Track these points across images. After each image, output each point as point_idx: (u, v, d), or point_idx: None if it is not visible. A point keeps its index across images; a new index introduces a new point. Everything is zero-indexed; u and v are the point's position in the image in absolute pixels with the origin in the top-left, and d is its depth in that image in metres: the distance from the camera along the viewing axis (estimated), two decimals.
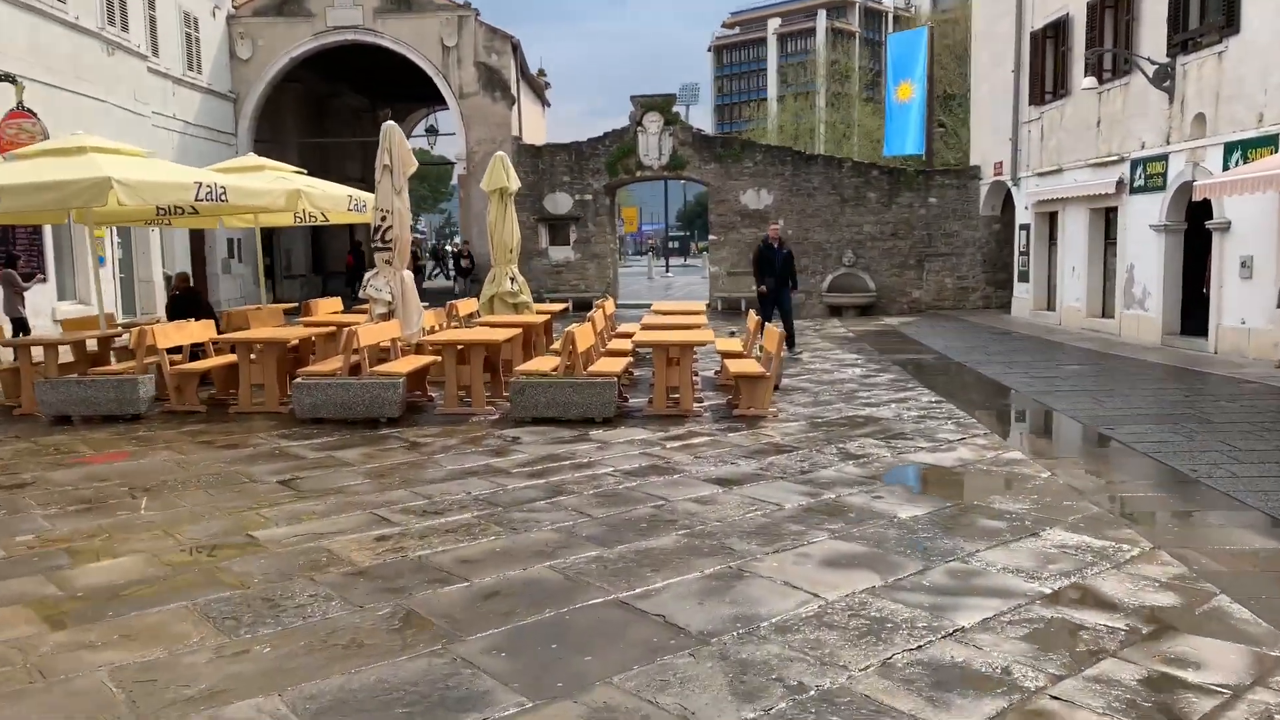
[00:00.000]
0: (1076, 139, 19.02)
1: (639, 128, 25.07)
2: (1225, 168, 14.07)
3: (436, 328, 12.52)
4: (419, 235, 20.52)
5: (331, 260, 33.56)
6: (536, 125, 32.89)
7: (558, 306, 15.41)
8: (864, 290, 24.41)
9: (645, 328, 12.13)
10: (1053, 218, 20.95)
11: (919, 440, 8.60)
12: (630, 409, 10.17)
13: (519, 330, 11.47)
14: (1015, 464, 7.67)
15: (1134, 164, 16.82)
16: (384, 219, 10.79)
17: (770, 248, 14.96)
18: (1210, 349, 14.66)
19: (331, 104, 33.05)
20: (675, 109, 25.17)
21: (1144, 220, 16.51)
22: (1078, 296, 19.22)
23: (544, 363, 10.16)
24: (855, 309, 24.27)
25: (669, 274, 49.21)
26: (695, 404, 10.42)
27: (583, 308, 23.54)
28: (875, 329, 20.45)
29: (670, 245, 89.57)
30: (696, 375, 12.55)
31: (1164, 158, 15.89)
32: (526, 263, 23.62)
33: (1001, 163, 22.91)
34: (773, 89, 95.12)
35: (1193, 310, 15.79)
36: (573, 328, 9.69)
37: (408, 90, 30.08)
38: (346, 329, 9.69)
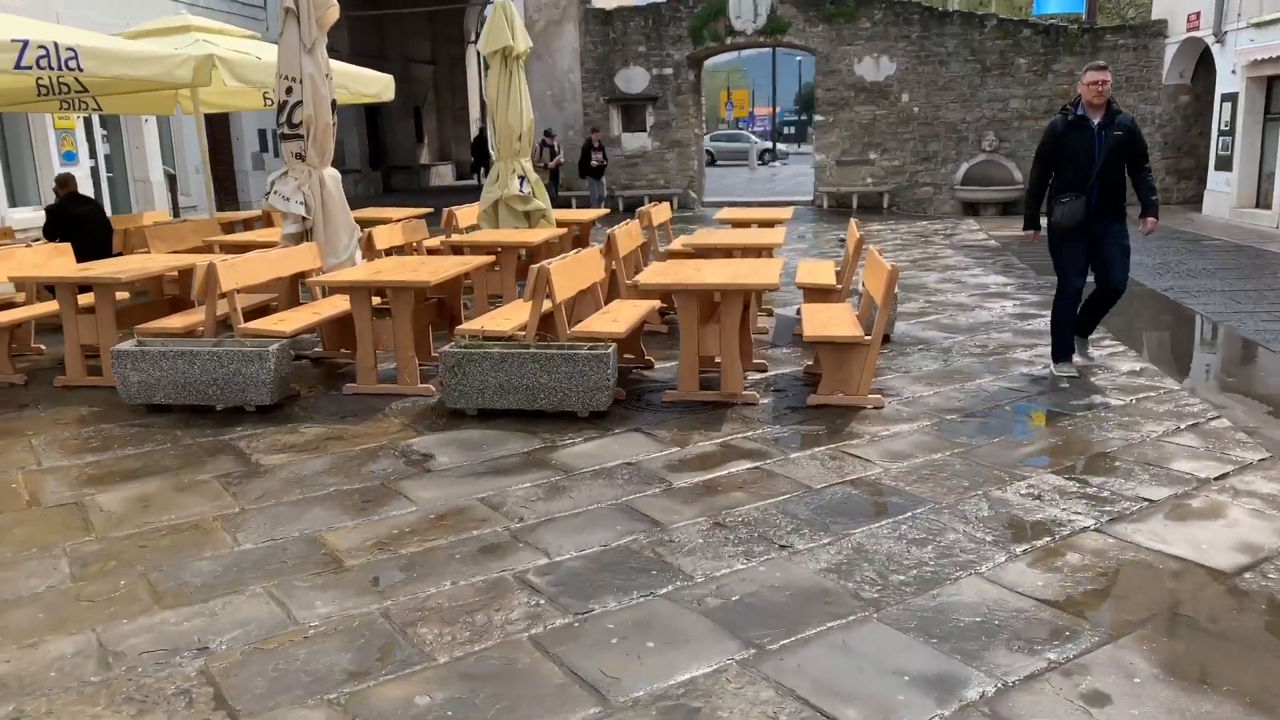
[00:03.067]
0: None
1: None
2: None
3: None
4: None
5: (396, 151, 30.31)
6: None
7: (592, 214, 11.58)
8: (1007, 182, 19.68)
9: (680, 254, 8.32)
10: (1271, 84, 15.76)
11: (1141, 478, 4.69)
12: (646, 389, 6.51)
13: (489, 259, 7.81)
14: None
15: None
16: (289, 91, 7.20)
17: (1081, 120, 6.47)
18: None
19: None
20: None
21: None
22: None
23: (511, 314, 6.52)
24: (996, 205, 19.63)
25: (776, 164, 44.28)
26: (754, 375, 6.67)
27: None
28: (1023, 233, 15.90)
29: (785, 131, 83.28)
30: (768, 319, 8.73)
31: None
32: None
33: (1198, 13, 17.57)
34: None
35: None
36: (549, 263, 6.00)
37: None
38: (208, 263, 6.24)
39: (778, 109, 59.98)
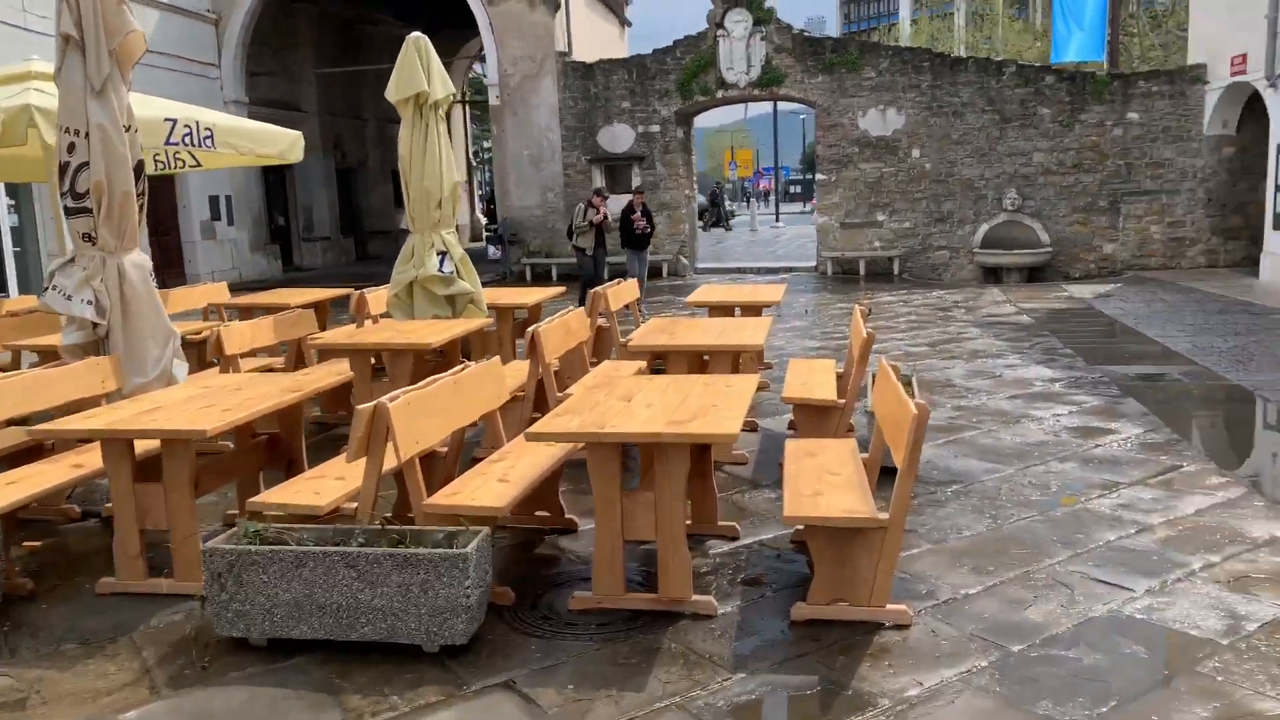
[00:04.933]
0: None
1: (719, 31, 18.75)
2: None
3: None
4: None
5: (372, 216, 28.53)
6: (608, 46, 26.78)
7: (540, 294, 9.47)
8: (1033, 245, 17.64)
9: (642, 350, 6.23)
10: None
11: None
12: (556, 577, 4.38)
13: (335, 379, 5.67)
14: None
15: None
16: (71, 149, 5.20)
17: None
18: None
19: (363, 31, 27.63)
20: (769, 4, 18.69)
21: None
22: None
23: (348, 473, 4.36)
24: (1020, 271, 17.56)
25: (779, 224, 42.42)
26: (719, 545, 4.53)
27: (652, 275, 17.67)
28: (1059, 305, 13.84)
29: (791, 190, 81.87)
30: (750, 433, 6.60)
31: None
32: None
33: (1244, 55, 15.64)
34: (905, 9, 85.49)
35: None
36: (403, 394, 3.90)
37: (463, 14, 23.73)
38: None
39: (782, 167, 58.45)
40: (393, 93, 7.90)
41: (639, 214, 14.29)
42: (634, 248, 14.39)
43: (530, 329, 6.00)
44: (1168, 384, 8.33)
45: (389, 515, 4.59)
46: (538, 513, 4.99)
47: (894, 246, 18.57)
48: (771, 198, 48.37)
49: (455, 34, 27.57)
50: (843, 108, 18.50)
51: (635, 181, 19.48)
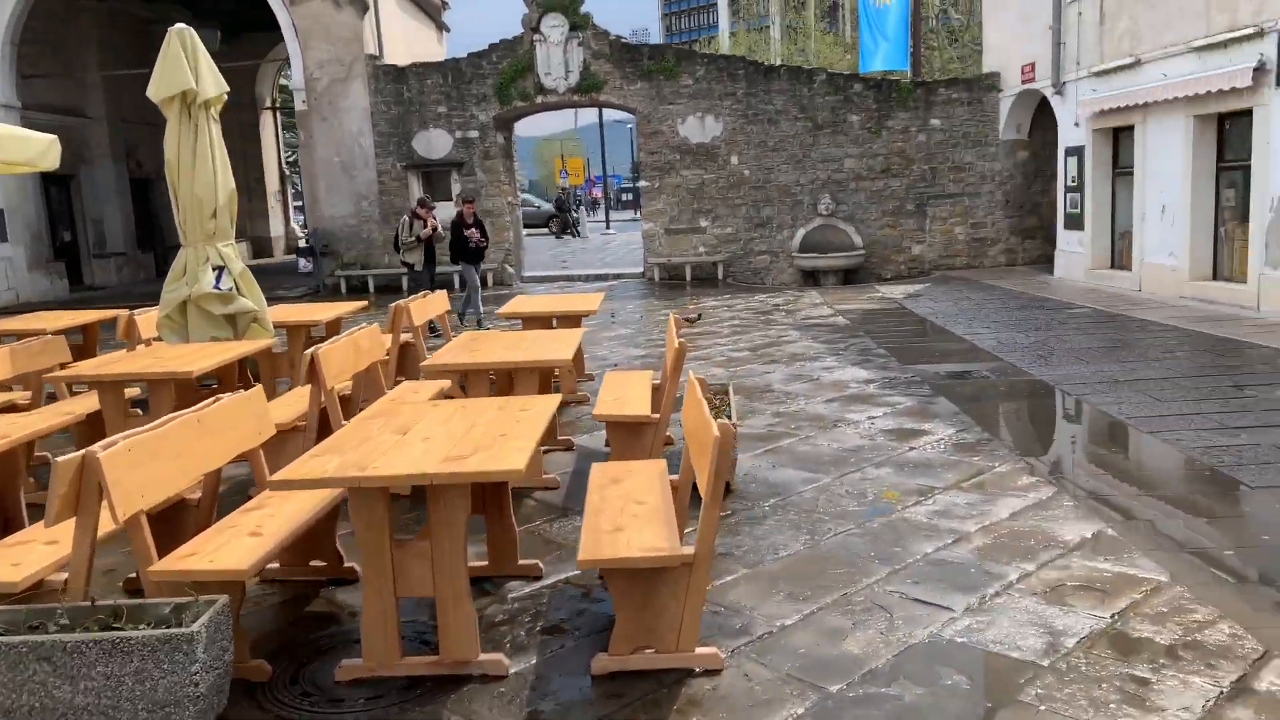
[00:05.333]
0: (1167, 13, 12.68)
1: (536, 35, 18.33)
2: None
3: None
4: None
5: (172, 229, 26.43)
6: (426, 52, 25.84)
7: (335, 310, 8.67)
8: (847, 248, 18.06)
9: (442, 371, 5.69)
10: (1118, 136, 14.66)
11: None
12: (328, 638, 3.80)
13: (32, 430, 4.84)
14: None
15: None
16: None
17: None
18: None
19: (159, 32, 25.61)
20: (585, 10, 18.39)
21: None
22: (1172, 250, 12.99)
23: (62, 535, 3.63)
24: (836, 274, 17.94)
25: (610, 230, 42.36)
26: (521, 588, 4.06)
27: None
28: (873, 306, 14.13)
29: (624, 199, 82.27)
30: (566, 453, 6.17)
31: None
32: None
33: (1033, 64, 16.53)
34: (724, 22, 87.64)
35: None
36: (116, 441, 3.24)
37: (267, 14, 22.16)
38: None
39: (613, 176, 58.41)
40: (155, 91, 7.08)
41: (472, 225, 13.41)
42: (467, 261, 13.42)
43: (309, 350, 5.36)
44: (976, 381, 8.46)
45: (133, 576, 3.90)
46: (313, 562, 4.38)
47: (718, 252, 18.63)
48: (603, 205, 48.33)
49: (262, 36, 26.02)
50: (663, 115, 18.43)
51: (455, 189, 18.78)
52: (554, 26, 18.17)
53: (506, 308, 8.60)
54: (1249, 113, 11.31)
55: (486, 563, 4.34)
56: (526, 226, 28.13)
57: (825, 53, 48.84)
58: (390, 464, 3.33)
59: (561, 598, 4.15)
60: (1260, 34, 10.91)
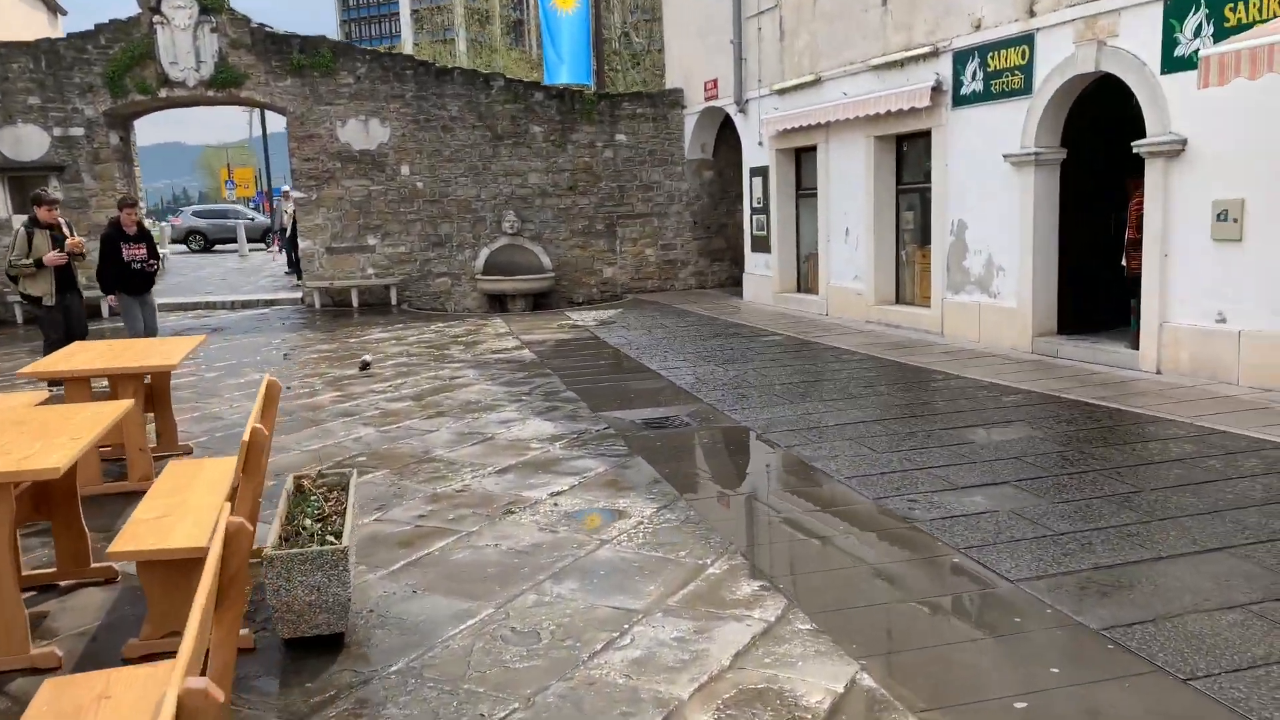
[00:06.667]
0: (846, 29, 12.39)
1: (157, 17, 15.30)
2: (1171, 37, 7.79)
3: None
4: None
5: None
6: (30, 33, 21.31)
7: None
8: (536, 270, 16.65)
9: None
10: (801, 156, 14.36)
11: None
12: None
13: None
14: None
15: (960, 57, 10.38)
16: None
17: None
18: (1146, 364, 8.48)
19: None
20: None
21: (985, 148, 10.13)
22: (857, 274, 12.70)
23: None
24: (525, 298, 16.47)
25: (273, 248, 38.14)
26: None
27: (91, 316, 13.51)
28: (563, 336, 12.72)
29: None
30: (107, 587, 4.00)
31: (1027, 39, 9.49)
32: None
33: (716, 80, 16.03)
34: (407, 31, 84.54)
35: (1084, 296, 9.72)
36: None
37: None
38: None
39: (273, 186, 53.10)
40: None
41: (135, 239, 9.13)
42: (130, 292, 9.20)
43: None
44: (676, 431, 7.16)
45: None
46: None
47: (390, 274, 16.53)
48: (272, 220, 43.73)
49: None
50: (319, 116, 16.05)
51: (56, 196, 15.18)
52: (179, 8, 15.25)
53: (31, 368, 6.12)
54: (928, 134, 11.12)
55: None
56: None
57: (512, 68, 47.76)
58: None
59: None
60: (935, 53, 10.71)
